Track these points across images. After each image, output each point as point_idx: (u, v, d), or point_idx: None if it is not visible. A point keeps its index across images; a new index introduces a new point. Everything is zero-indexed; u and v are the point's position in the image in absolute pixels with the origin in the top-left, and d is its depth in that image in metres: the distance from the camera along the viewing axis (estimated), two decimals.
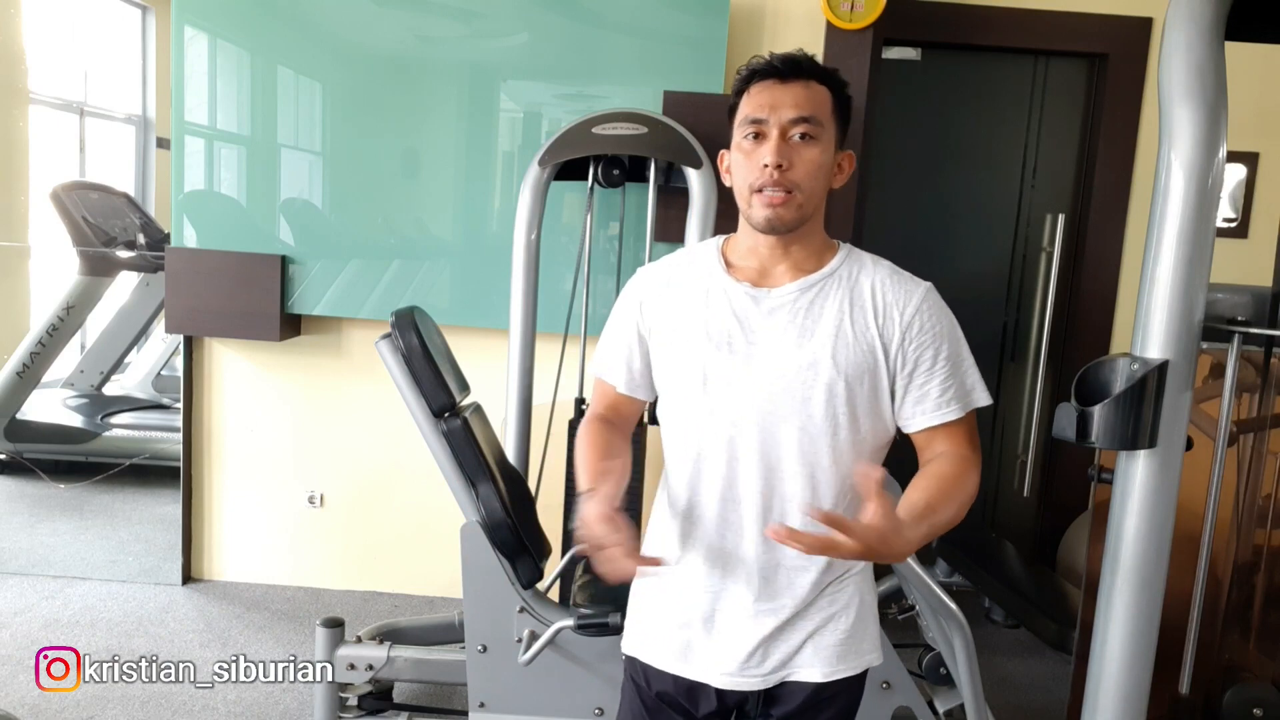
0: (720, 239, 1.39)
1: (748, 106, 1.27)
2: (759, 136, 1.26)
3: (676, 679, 1.37)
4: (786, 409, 1.26)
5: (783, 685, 1.35)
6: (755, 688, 1.34)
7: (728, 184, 1.33)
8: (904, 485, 1.28)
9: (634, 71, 3.12)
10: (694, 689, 1.36)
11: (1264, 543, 2.25)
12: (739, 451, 1.28)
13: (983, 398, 1.31)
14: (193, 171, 3.27)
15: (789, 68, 1.26)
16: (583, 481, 1.29)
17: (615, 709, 1.65)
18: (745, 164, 1.27)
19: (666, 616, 1.38)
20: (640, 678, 1.42)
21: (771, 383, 1.26)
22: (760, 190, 1.25)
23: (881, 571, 3.15)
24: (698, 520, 1.33)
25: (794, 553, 1.26)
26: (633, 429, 1.46)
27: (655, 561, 1.20)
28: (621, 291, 1.42)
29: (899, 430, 1.34)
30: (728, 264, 1.34)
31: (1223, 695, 2.16)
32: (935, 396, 1.28)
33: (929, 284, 1.32)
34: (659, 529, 1.40)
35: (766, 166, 1.24)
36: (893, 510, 1.10)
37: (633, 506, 2.89)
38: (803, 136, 1.25)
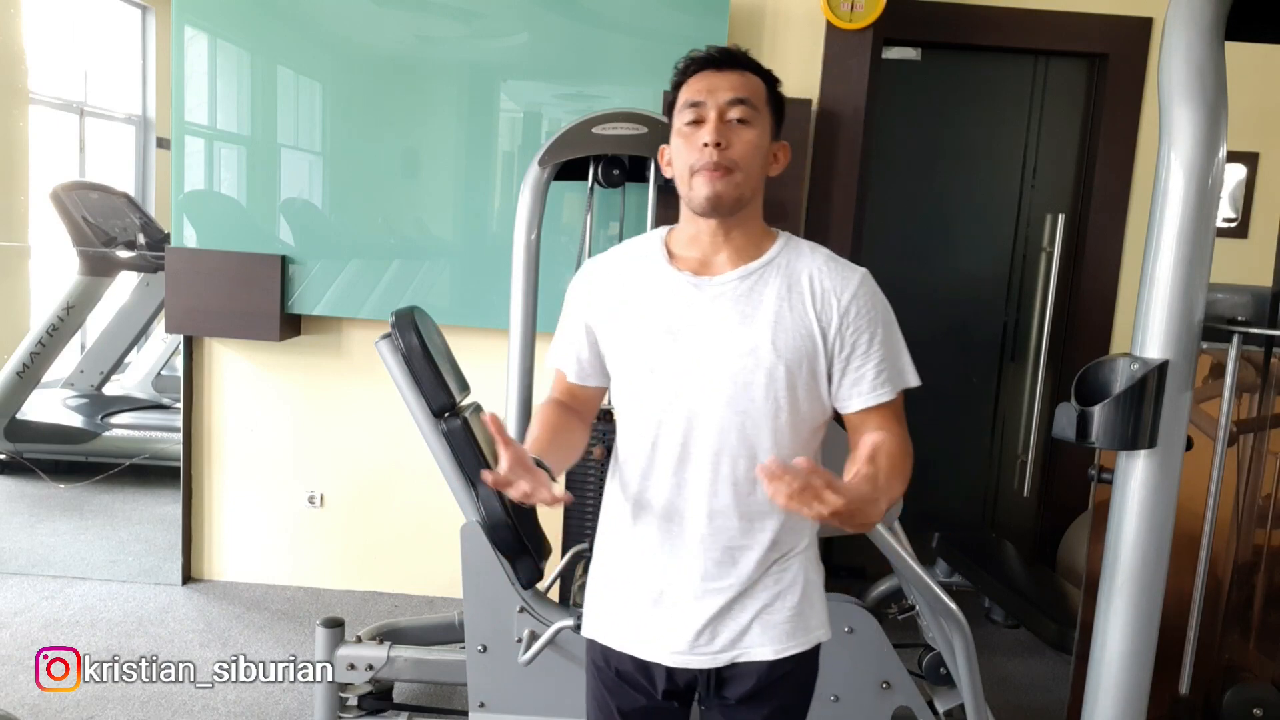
0: (664, 230, 1.43)
1: (686, 93, 1.33)
2: (698, 121, 1.31)
3: (633, 659, 1.42)
4: (729, 394, 1.31)
5: (734, 666, 1.38)
6: (705, 666, 1.38)
7: (668, 175, 1.38)
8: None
9: (634, 71, 3.12)
10: (648, 668, 1.41)
11: (1264, 543, 2.25)
12: (685, 436, 1.33)
13: (913, 379, 1.38)
14: (193, 171, 3.27)
15: (725, 57, 1.33)
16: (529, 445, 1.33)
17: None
18: (685, 147, 1.32)
19: (619, 598, 1.43)
20: (600, 659, 1.47)
21: (715, 368, 1.31)
22: (700, 169, 1.30)
23: (882, 571, 3.15)
24: (648, 503, 1.37)
25: (740, 532, 1.33)
26: (592, 415, 1.51)
27: (565, 499, 1.22)
28: (570, 283, 1.47)
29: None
30: (670, 254, 1.38)
31: (1223, 695, 2.16)
32: (871, 379, 1.33)
33: (865, 270, 1.37)
34: (612, 511, 1.45)
35: (706, 145, 1.29)
36: (874, 479, 1.15)
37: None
38: (740, 120, 1.30)
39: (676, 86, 1.35)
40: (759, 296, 1.32)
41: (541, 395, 1.57)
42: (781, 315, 1.31)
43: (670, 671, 1.39)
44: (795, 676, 1.41)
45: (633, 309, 1.37)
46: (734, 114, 1.30)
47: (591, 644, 1.48)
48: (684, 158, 1.32)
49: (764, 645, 1.37)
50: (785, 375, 1.30)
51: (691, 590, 1.36)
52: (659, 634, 1.38)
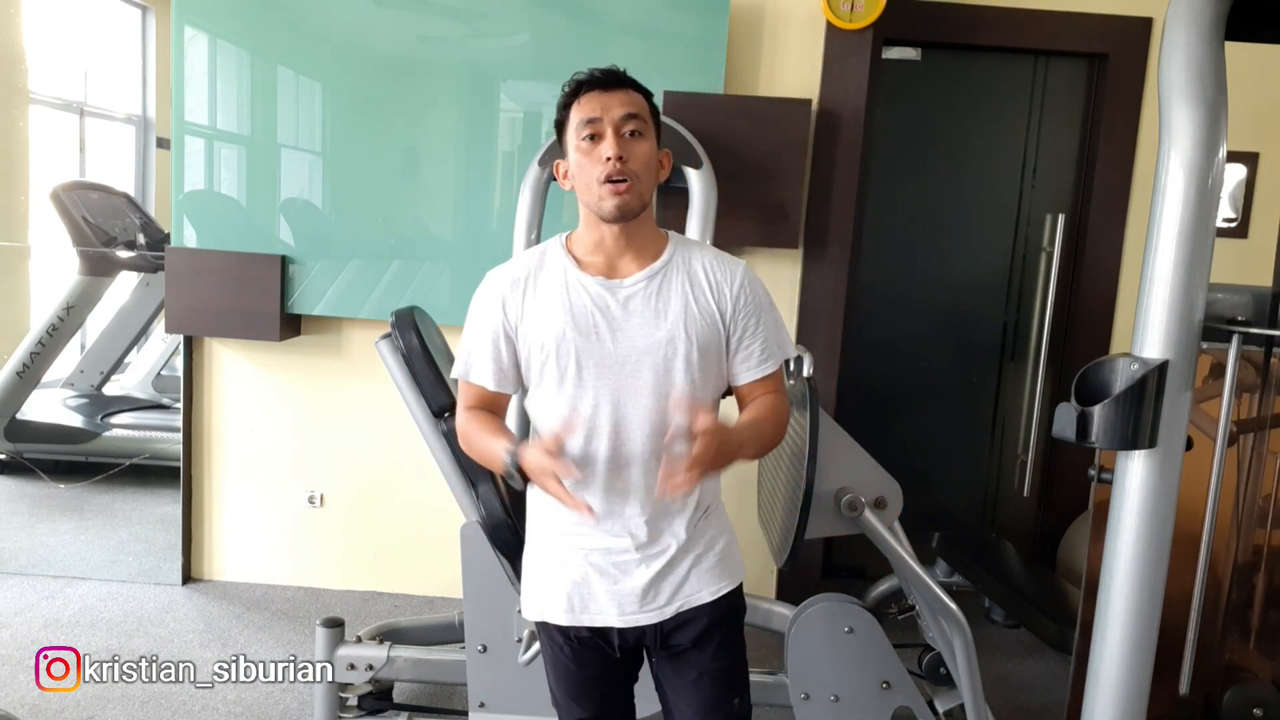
0: (560, 237, 1.57)
1: (580, 112, 1.46)
2: (595, 137, 1.45)
3: (583, 629, 1.55)
4: (653, 381, 1.47)
5: (679, 615, 1.53)
6: (654, 621, 1.53)
7: (567, 189, 1.53)
8: None
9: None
10: (603, 632, 1.55)
11: (1264, 543, 2.25)
12: (616, 426, 1.47)
13: (790, 350, 1.59)
14: (193, 171, 3.27)
15: (611, 78, 1.47)
16: (501, 444, 1.47)
17: None
18: (587, 162, 1.46)
19: (562, 577, 1.55)
20: (557, 635, 1.59)
21: (638, 360, 1.47)
22: (605, 182, 1.44)
23: (882, 571, 3.15)
24: (585, 489, 1.49)
25: (672, 502, 1.50)
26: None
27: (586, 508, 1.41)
28: (475, 294, 1.58)
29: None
30: (576, 260, 1.52)
31: (1223, 695, 2.16)
32: (758, 355, 1.54)
33: (744, 262, 1.57)
34: (541, 503, 1.57)
35: (609, 159, 1.43)
36: (716, 421, 1.39)
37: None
38: (633, 133, 1.45)
39: (565, 107, 1.49)
40: (667, 293, 1.49)
41: None
42: (689, 306, 1.49)
43: (621, 632, 1.54)
44: (730, 614, 1.58)
45: (549, 314, 1.49)
46: (628, 128, 1.45)
47: (541, 626, 1.61)
48: (588, 172, 1.46)
49: (702, 589, 1.54)
50: (699, 358, 1.48)
51: (634, 559, 1.51)
52: (608, 602, 1.52)
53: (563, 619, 1.55)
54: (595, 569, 1.52)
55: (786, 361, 1.62)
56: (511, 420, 2.83)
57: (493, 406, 1.59)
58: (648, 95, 1.51)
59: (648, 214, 1.51)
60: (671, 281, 1.50)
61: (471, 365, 1.58)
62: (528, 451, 1.39)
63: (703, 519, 1.56)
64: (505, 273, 1.56)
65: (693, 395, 1.47)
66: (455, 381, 2.32)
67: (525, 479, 1.44)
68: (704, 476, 1.38)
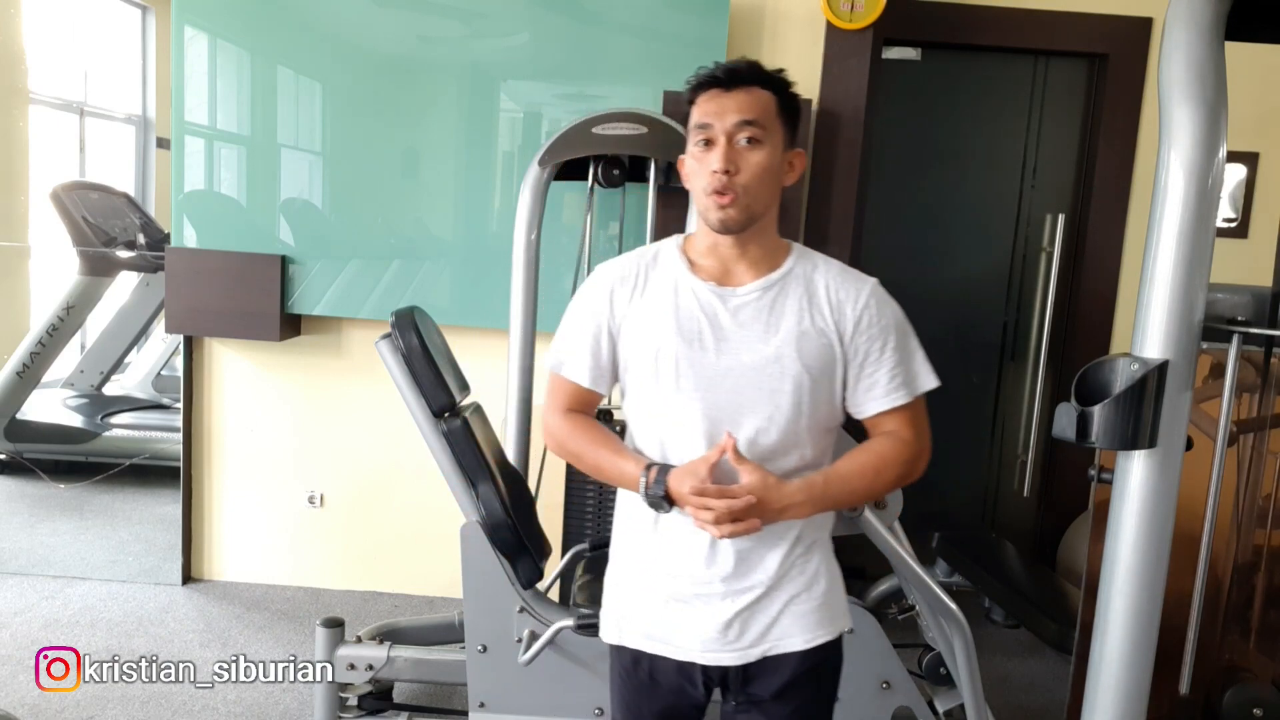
0: (679, 237, 1.46)
1: (696, 114, 1.35)
2: (708, 143, 1.34)
3: (662, 659, 1.43)
4: (756, 400, 1.34)
5: (764, 659, 1.39)
6: (735, 662, 1.39)
7: (687, 187, 1.40)
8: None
9: (634, 71, 3.12)
10: (680, 668, 1.43)
11: (1264, 543, 2.25)
12: (711, 443, 1.34)
13: (929, 382, 1.43)
14: (193, 171, 3.27)
15: (730, 76, 1.34)
16: (630, 465, 1.37)
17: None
18: (698, 169, 1.35)
19: (644, 601, 1.43)
20: (629, 663, 1.48)
21: (741, 376, 1.34)
22: (711, 194, 1.33)
23: (882, 571, 3.15)
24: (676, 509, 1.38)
25: (766, 532, 1.35)
26: None
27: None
28: (581, 287, 1.47)
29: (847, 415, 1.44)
30: (690, 262, 1.41)
31: (1223, 695, 2.16)
32: (884, 384, 1.39)
33: (875, 280, 1.42)
34: (630, 515, 1.45)
35: (715, 172, 1.32)
36: (764, 474, 1.29)
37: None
38: (748, 141, 1.32)
39: (689, 102, 1.37)
40: (781, 308, 1.36)
41: (541, 395, 1.57)
42: (804, 326, 1.35)
43: (704, 669, 1.41)
44: (823, 669, 1.44)
45: (658, 316, 1.38)
46: (743, 135, 1.32)
47: (619, 650, 1.49)
48: (697, 179, 1.35)
49: (794, 635, 1.39)
50: (809, 383, 1.35)
51: (718, 590, 1.38)
52: (689, 634, 1.39)
53: (643, 645, 1.44)
54: (678, 597, 1.40)
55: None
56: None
57: (585, 406, 1.47)
58: (780, 89, 1.36)
59: (766, 223, 1.38)
60: (788, 295, 1.37)
61: (566, 359, 1.45)
62: (683, 484, 1.29)
63: (802, 556, 1.40)
64: (616, 268, 1.44)
65: (795, 423, 1.35)
66: (457, 381, 2.33)
67: (671, 505, 1.33)
68: (736, 530, 1.27)
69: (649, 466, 1.35)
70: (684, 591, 1.39)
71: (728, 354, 1.35)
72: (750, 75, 1.34)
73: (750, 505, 1.26)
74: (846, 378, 1.39)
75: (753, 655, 1.39)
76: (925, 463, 1.44)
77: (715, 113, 1.33)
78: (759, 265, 1.39)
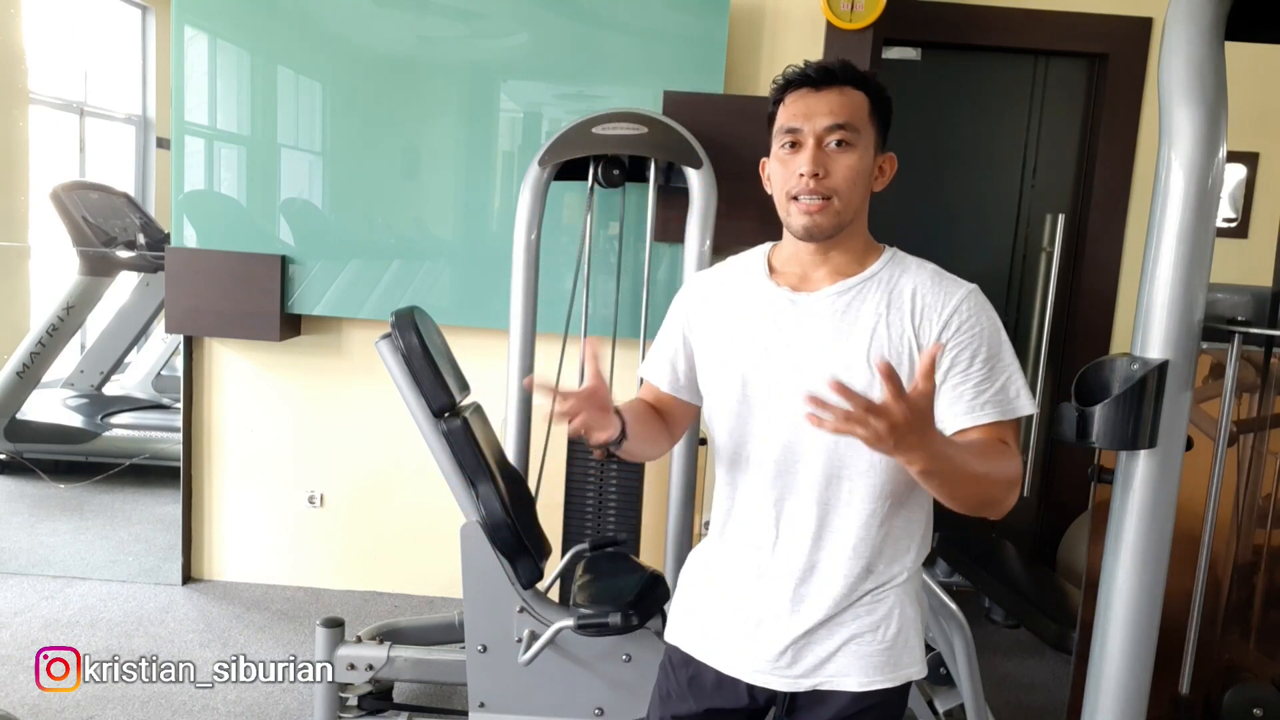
0: (769, 245, 1.40)
1: (783, 116, 1.29)
2: (795, 145, 1.27)
3: (708, 669, 1.39)
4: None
5: (815, 692, 1.33)
6: (784, 689, 1.33)
7: (768, 191, 1.35)
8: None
9: (634, 71, 3.12)
10: (724, 682, 1.38)
11: (1264, 543, 2.25)
12: (779, 453, 1.29)
13: (1026, 406, 1.27)
14: (193, 171, 3.27)
15: (822, 75, 1.27)
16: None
17: (616, 709, 1.67)
18: (782, 173, 1.29)
19: (706, 609, 1.40)
20: (678, 660, 1.44)
21: (805, 386, 1.20)
22: (797, 198, 1.27)
23: None
24: (741, 520, 1.36)
25: (833, 554, 1.29)
26: (679, 431, 1.48)
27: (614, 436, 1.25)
28: (676, 295, 1.46)
29: None
30: (771, 269, 1.36)
31: (1223, 695, 2.16)
32: (969, 399, 1.24)
33: (974, 286, 1.31)
34: (714, 517, 1.42)
35: (803, 176, 1.25)
36: (931, 404, 1.06)
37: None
38: (839, 144, 1.26)
39: (775, 104, 1.32)
40: (856, 312, 1.28)
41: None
42: (878, 330, 1.26)
43: (750, 689, 1.36)
44: (877, 714, 1.34)
45: (729, 324, 1.35)
46: (833, 139, 1.25)
47: (672, 649, 1.46)
48: (781, 183, 1.29)
49: (850, 675, 1.31)
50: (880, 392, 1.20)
51: (779, 609, 1.32)
52: (742, 650, 1.35)
53: (698, 653, 1.40)
54: (737, 609, 1.35)
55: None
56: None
57: (667, 407, 1.44)
58: (873, 90, 1.29)
59: (855, 229, 1.30)
60: (866, 299, 1.28)
61: (650, 366, 1.45)
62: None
63: (877, 590, 1.31)
64: (702, 277, 1.43)
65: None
66: (457, 381, 2.33)
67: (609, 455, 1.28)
68: (871, 441, 1.02)
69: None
70: (743, 605, 1.35)
71: (793, 362, 1.28)
72: (844, 75, 1.27)
73: (897, 418, 1.01)
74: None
75: (803, 685, 1.32)
76: (1018, 493, 1.28)
77: (804, 114, 1.26)
78: (842, 270, 1.31)
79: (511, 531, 2.21)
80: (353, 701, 2.53)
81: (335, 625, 2.47)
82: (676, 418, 1.46)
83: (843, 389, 1.01)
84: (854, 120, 1.26)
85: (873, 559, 1.31)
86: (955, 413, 1.25)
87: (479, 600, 2.23)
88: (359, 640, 2.54)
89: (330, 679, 2.46)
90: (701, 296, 1.40)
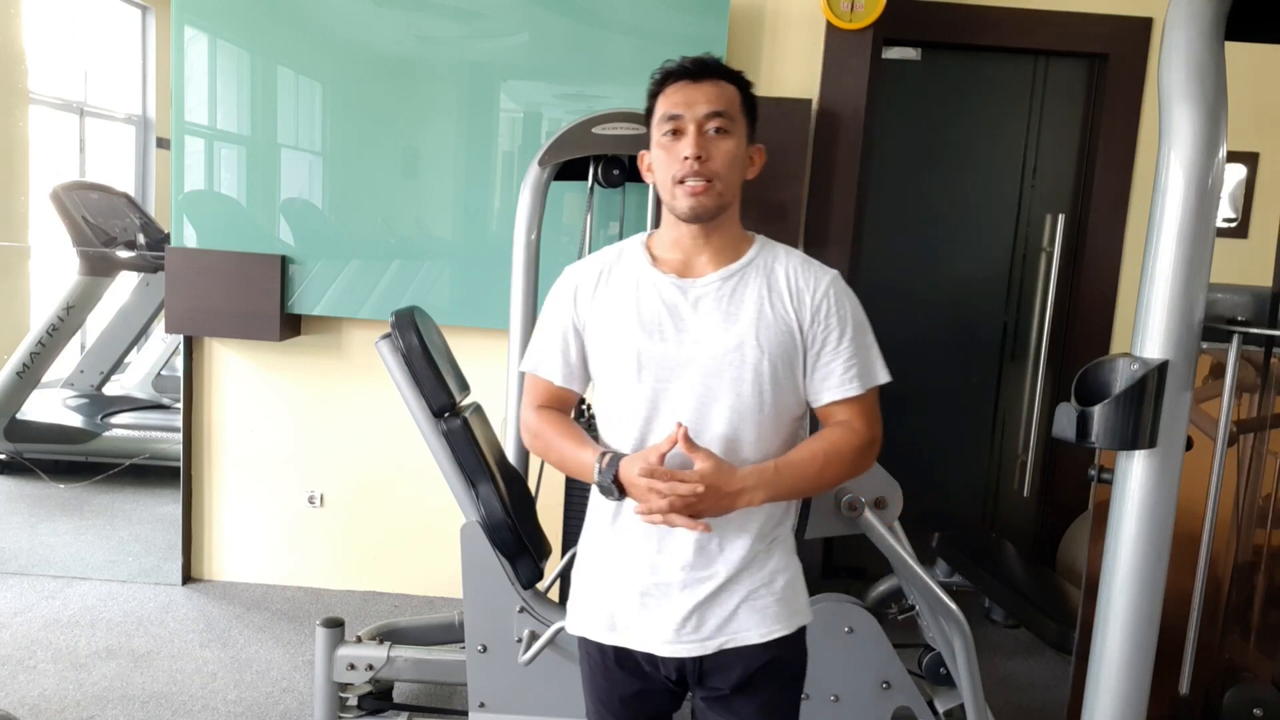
0: (644, 234, 1.49)
1: (664, 105, 1.39)
2: (677, 132, 1.37)
3: (625, 650, 1.46)
4: (718, 389, 1.37)
5: (722, 653, 1.41)
6: (694, 654, 1.41)
7: (649, 181, 1.45)
8: None
9: (634, 71, 3.12)
10: (641, 658, 1.46)
11: (1264, 543, 2.25)
12: (673, 431, 1.35)
13: (882, 376, 1.46)
14: (193, 171, 3.27)
15: (700, 68, 1.38)
16: (588, 454, 1.40)
17: None
18: (666, 159, 1.38)
19: (607, 592, 1.46)
20: (595, 652, 1.51)
21: (702, 365, 1.36)
22: (682, 181, 1.35)
23: (882, 571, 3.15)
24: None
25: (729, 523, 1.38)
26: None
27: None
28: (550, 289, 1.51)
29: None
30: (653, 257, 1.44)
31: (1223, 695, 2.16)
32: (839, 374, 1.41)
33: (835, 271, 1.45)
34: (594, 511, 1.50)
35: (687, 159, 1.35)
36: (718, 460, 1.30)
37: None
38: (717, 130, 1.36)
39: (653, 96, 1.42)
40: (741, 296, 1.39)
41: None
42: (763, 313, 1.38)
43: (663, 660, 1.44)
44: (784, 663, 1.45)
45: (619, 311, 1.41)
46: (712, 125, 1.36)
47: (583, 641, 1.52)
48: (666, 169, 1.38)
49: (751, 629, 1.41)
50: (769, 370, 1.37)
51: (679, 581, 1.40)
52: (648, 624, 1.42)
53: (603, 637, 1.46)
54: (638, 588, 1.42)
55: None
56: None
57: (560, 403, 1.51)
58: (742, 85, 1.41)
59: (731, 215, 1.42)
60: (748, 284, 1.39)
61: (540, 360, 1.50)
62: (631, 468, 1.31)
63: (763, 551, 1.42)
64: (581, 267, 1.49)
65: (759, 412, 1.37)
66: (457, 381, 2.33)
67: (622, 494, 1.35)
68: (684, 520, 1.28)
69: (603, 454, 1.37)
70: (644, 583, 1.41)
71: (689, 344, 1.37)
72: (718, 69, 1.39)
73: (701, 492, 1.27)
74: (805, 365, 1.41)
75: (710, 648, 1.40)
76: (875, 454, 1.46)
77: (685, 103, 1.36)
78: (721, 256, 1.41)
79: (511, 531, 2.21)
80: (353, 701, 2.53)
81: (335, 625, 2.47)
82: (567, 407, 1.53)
83: (690, 445, 1.29)
84: (730, 109, 1.37)
85: (764, 522, 1.42)
86: (827, 387, 1.41)
87: (479, 600, 2.24)
88: (359, 640, 2.54)
89: (330, 679, 2.46)
90: (590, 285, 1.45)
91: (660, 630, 1.41)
